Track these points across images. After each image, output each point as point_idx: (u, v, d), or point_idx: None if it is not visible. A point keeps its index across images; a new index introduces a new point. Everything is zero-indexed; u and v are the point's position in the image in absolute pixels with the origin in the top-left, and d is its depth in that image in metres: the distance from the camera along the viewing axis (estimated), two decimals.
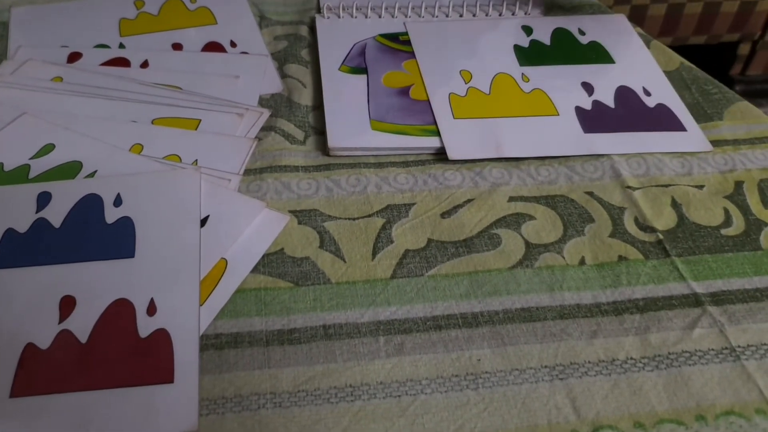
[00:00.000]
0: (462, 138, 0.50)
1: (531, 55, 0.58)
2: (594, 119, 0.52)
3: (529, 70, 0.56)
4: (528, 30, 0.60)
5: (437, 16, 0.63)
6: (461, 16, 0.63)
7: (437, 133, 0.51)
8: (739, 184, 0.49)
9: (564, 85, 0.55)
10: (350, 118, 0.52)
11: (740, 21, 1.53)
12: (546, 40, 0.60)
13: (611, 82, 0.56)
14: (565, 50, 0.59)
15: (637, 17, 1.45)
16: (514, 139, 0.50)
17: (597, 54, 0.59)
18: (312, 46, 0.59)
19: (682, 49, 0.61)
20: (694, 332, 0.40)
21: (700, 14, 1.50)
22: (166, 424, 0.35)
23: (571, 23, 0.62)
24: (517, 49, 0.58)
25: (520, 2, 0.63)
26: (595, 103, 0.54)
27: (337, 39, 0.59)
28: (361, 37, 0.60)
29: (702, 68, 0.59)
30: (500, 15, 0.63)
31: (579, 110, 0.53)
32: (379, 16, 0.62)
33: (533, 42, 0.59)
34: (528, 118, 0.52)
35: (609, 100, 0.54)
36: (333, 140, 0.50)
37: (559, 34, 0.60)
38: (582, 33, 0.61)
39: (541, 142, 0.50)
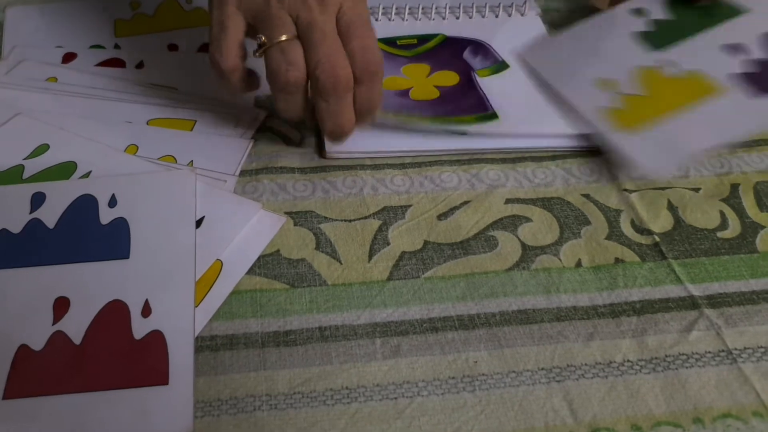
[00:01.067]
0: (645, 152, 0.46)
1: (655, 37, 0.53)
2: (763, 79, 0.49)
3: (664, 55, 0.52)
4: (640, 12, 0.56)
5: (433, 19, 0.62)
6: (458, 18, 0.63)
7: (443, 124, 0.50)
8: (735, 187, 0.49)
9: (710, 56, 0.51)
10: None
11: None
12: (661, 15, 0.55)
13: (754, 33, 0.52)
14: (687, 20, 0.54)
15: None
16: (699, 134, 0.47)
17: (721, 11, 0.54)
18: None
19: None
20: (691, 335, 0.40)
21: None
22: (160, 426, 0.35)
23: None
24: (642, 35, 0.54)
25: (516, 4, 0.63)
26: (754, 63, 0.50)
27: None
28: None
29: None
30: (497, 17, 0.63)
31: (741, 77, 0.49)
32: (376, 19, 0.62)
33: (655, 22, 0.55)
34: (696, 105, 0.48)
35: (764, 53, 0.50)
36: (330, 144, 0.50)
37: (674, 4, 0.56)
38: None
39: (726, 126, 0.47)
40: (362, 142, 0.50)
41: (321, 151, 0.50)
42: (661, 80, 0.49)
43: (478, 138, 0.51)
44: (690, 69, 0.49)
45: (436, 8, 0.63)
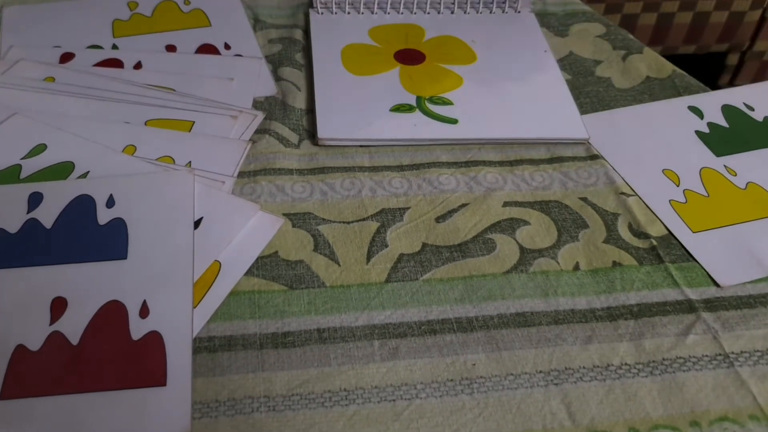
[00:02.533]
0: (720, 257, 0.45)
1: (719, 142, 0.53)
2: None
3: (729, 161, 0.51)
4: (697, 112, 0.55)
5: (428, 13, 0.63)
6: (452, 13, 0.63)
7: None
8: None
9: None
10: (343, 110, 0.53)
11: (729, 31, 1.54)
12: (722, 121, 0.55)
13: None
14: (747, 132, 0.54)
15: (627, 26, 1.46)
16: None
17: None
18: (306, 50, 0.59)
19: (671, 59, 0.61)
20: (688, 338, 0.40)
21: (689, 24, 1.51)
22: (158, 427, 0.35)
23: (733, 97, 0.57)
24: (701, 135, 0.53)
25: (510, 0, 0.64)
26: None
27: (330, 33, 0.60)
28: (355, 32, 0.60)
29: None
30: (491, 12, 0.63)
31: None
32: (372, 12, 0.63)
33: (712, 126, 0.54)
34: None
35: None
36: (323, 131, 0.50)
37: (731, 112, 0.56)
38: (750, 108, 0.56)
39: None
40: (354, 131, 0.51)
41: (314, 138, 0.50)
42: (725, 186, 0.49)
43: (470, 126, 0.52)
44: (752, 182, 0.50)
45: (417, 3, 0.63)
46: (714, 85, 1.47)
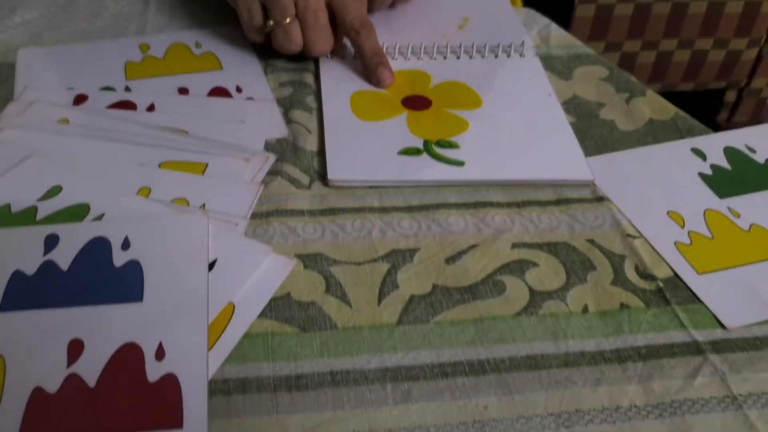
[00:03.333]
0: (726, 299, 0.46)
1: (722, 184, 0.53)
2: None
3: (733, 203, 0.52)
4: (700, 154, 0.56)
5: (435, 58, 0.64)
6: (458, 58, 0.64)
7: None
8: None
9: None
10: (352, 153, 0.54)
11: (726, 69, 1.56)
12: (724, 163, 0.55)
13: None
14: (749, 174, 0.55)
15: (627, 64, 1.49)
16: None
17: None
18: (316, 93, 0.60)
19: (670, 96, 0.62)
20: (696, 380, 0.41)
21: (687, 62, 1.54)
22: None
23: (735, 139, 0.58)
24: (705, 177, 0.54)
25: (514, 44, 0.65)
26: None
27: (339, 79, 0.62)
28: (363, 80, 0.62)
29: (689, 115, 0.60)
30: (496, 57, 0.65)
31: None
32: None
33: (715, 168, 0.55)
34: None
35: None
36: (333, 173, 0.52)
37: (733, 155, 0.56)
38: (752, 150, 0.57)
39: None
40: (364, 172, 0.52)
41: (325, 179, 0.52)
42: (729, 227, 0.50)
43: (477, 168, 0.53)
44: (756, 224, 0.50)
45: (424, 48, 0.65)
46: (713, 122, 1.49)
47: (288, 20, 0.58)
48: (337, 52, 0.64)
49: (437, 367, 0.41)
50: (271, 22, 0.59)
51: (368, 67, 0.61)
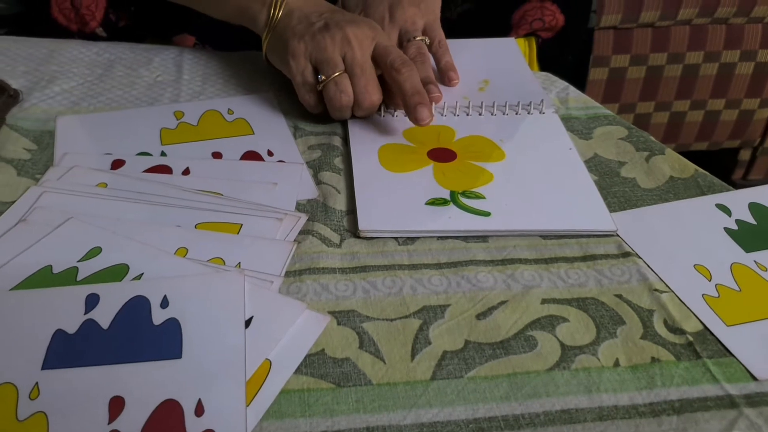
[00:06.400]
0: (757, 350, 0.46)
1: (748, 238, 0.54)
2: None
3: (759, 257, 0.53)
4: (725, 209, 0.57)
5: (458, 115, 0.66)
6: (480, 114, 0.67)
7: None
8: None
9: None
10: (382, 203, 0.56)
11: (739, 129, 1.58)
12: (749, 218, 0.57)
13: None
14: None
15: (640, 125, 1.51)
16: None
17: None
18: (344, 156, 0.62)
19: (684, 155, 0.63)
20: None
21: (700, 122, 1.56)
22: None
23: (759, 196, 0.59)
24: (730, 232, 0.55)
25: (534, 103, 0.67)
26: None
27: (367, 134, 0.64)
28: (390, 133, 0.64)
29: None
30: (517, 114, 0.67)
31: None
32: (381, 116, 0.66)
33: (740, 223, 0.56)
34: None
35: None
36: (363, 223, 0.53)
37: (758, 210, 0.57)
38: None
39: None
40: (393, 223, 0.54)
41: (355, 236, 0.53)
42: (756, 280, 0.51)
43: (503, 219, 0.55)
44: None
45: (448, 107, 0.67)
46: (729, 180, 1.50)
47: (338, 73, 0.61)
48: (390, 107, 0.66)
49: (473, 422, 0.41)
50: (323, 77, 0.62)
51: (408, 105, 0.61)
